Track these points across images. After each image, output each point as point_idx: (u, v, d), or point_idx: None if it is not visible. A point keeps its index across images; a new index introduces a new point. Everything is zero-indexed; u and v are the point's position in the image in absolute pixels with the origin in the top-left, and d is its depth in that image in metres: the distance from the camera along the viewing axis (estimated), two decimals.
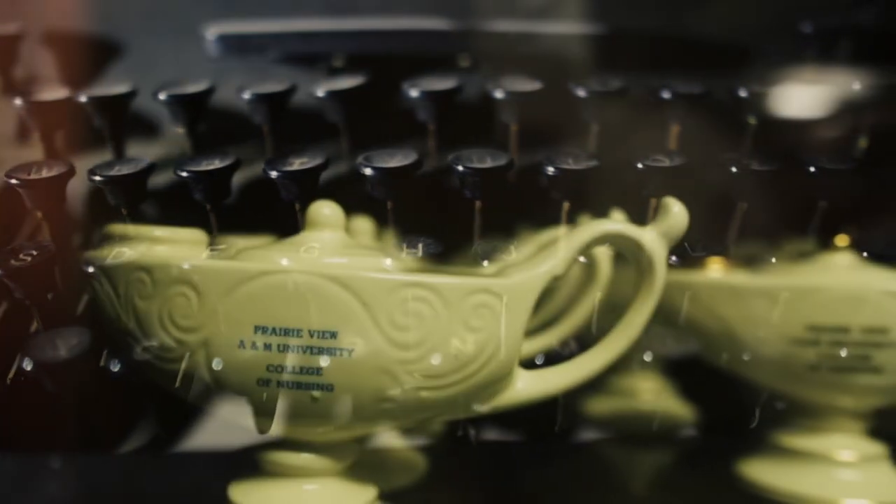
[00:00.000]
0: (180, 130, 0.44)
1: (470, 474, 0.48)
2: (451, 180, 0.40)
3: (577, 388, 0.36)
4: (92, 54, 0.47)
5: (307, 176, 0.38)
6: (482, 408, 0.35)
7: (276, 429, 0.33)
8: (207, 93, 0.43)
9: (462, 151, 0.40)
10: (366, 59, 0.48)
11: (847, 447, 0.43)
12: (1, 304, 0.40)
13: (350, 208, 0.38)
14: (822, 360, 0.41)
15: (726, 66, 0.49)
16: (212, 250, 0.36)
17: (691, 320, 0.43)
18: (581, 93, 0.44)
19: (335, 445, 0.34)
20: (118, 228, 0.35)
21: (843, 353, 0.40)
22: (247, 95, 0.43)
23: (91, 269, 0.33)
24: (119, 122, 0.43)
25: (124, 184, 0.38)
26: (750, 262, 0.45)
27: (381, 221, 0.42)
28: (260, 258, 0.34)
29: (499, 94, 0.43)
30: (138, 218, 0.38)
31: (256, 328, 0.31)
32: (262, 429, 0.33)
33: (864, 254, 0.43)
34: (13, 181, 0.37)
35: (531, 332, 0.43)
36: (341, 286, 0.30)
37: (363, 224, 0.44)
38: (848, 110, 0.46)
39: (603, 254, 0.43)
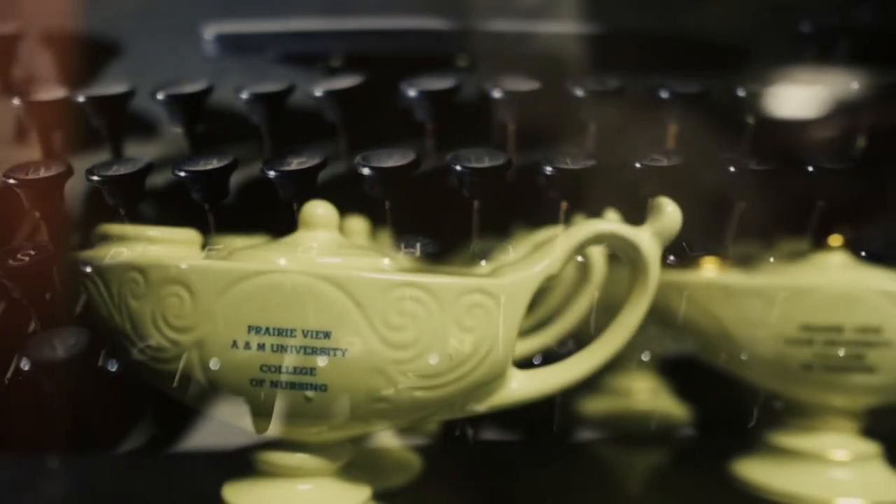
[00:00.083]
0: (178, 130, 0.44)
1: (466, 474, 0.48)
2: (448, 180, 0.40)
3: (574, 388, 0.36)
4: (90, 54, 0.47)
5: (305, 176, 0.38)
6: (476, 408, 0.35)
7: (271, 429, 0.33)
8: (205, 93, 0.43)
9: (460, 151, 0.40)
10: (364, 59, 0.48)
11: (841, 446, 0.43)
12: None
13: (348, 208, 0.38)
14: (815, 360, 0.41)
15: (724, 66, 0.49)
16: (208, 250, 0.36)
17: (687, 320, 0.43)
18: (579, 92, 0.44)
19: (329, 445, 0.34)
20: (112, 228, 0.35)
21: (838, 352, 0.40)
22: (245, 95, 0.43)
23: (85, 270, 0.33)
24: (117, 121, 0.43)
25: (122, 184, 0.38)
26: (746, 261, 0.45)
27: (379, 221, 0.42)
28: (253, 258, 0.33)
29: (496, 94, 0.43)
30: (136, 218, 0.38)
31: (250, 328, 0.31)
32: (259, 429, 0.33)
33: (862, 253, 0.43)
34: (11, 181, 0.37)
35: (526, 332, 0.43)
36: (335, 286, 0.30)
37: (357, 224, 0.44)
38: (846, 110, 0.46)
39: (597, 253, 0.43)
